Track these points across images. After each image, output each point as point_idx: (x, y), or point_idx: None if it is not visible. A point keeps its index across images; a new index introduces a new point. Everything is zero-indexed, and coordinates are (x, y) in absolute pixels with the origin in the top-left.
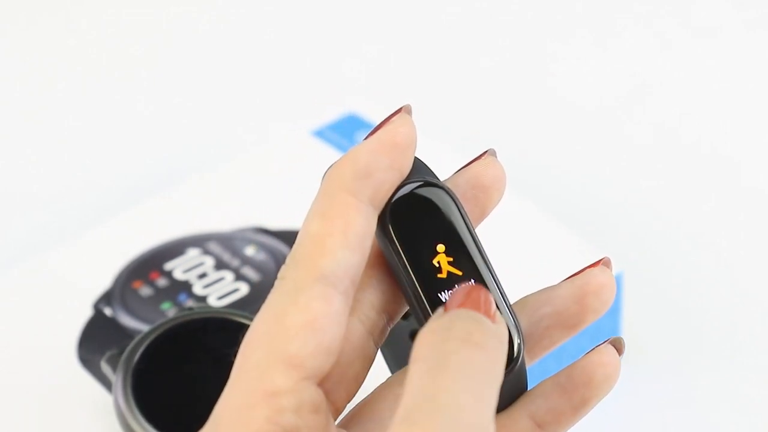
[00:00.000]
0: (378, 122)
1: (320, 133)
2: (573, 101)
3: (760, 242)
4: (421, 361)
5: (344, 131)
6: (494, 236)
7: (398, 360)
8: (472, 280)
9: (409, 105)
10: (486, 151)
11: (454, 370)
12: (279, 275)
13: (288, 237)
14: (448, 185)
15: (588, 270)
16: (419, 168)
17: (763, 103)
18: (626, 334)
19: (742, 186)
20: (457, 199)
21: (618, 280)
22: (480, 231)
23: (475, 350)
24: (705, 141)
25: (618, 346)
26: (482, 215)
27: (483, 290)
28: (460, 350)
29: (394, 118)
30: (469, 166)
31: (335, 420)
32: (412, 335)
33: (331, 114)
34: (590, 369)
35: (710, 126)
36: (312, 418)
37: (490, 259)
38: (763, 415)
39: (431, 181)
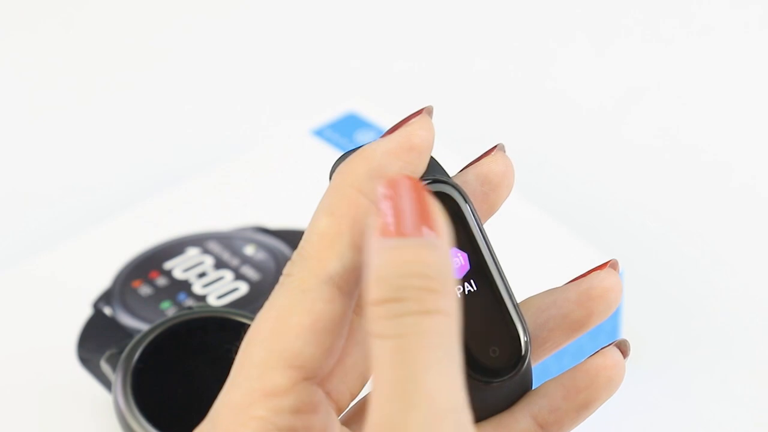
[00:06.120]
0: (379, 119)
1: (320, 132)
2: (573, 102)
3: (760, 242)
4: (382, 338)
5: (344, 130)
6: (498, 237)
7: None
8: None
9: (431, 106)
10: (495, 146)
11: (416, 352)
12: (285, 271)
13: (287, 236)
14: (458, 182)
15: (594, 273)
16: (432, 166)
17: (762, 103)
18: (626, 334)
19: (742, 186)
20: (467, 196)
21: None
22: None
23: (433, 320)
24: (705, 141)
25: (623, 348)
26: (491, 211)
27: (405, 186)
28: (419, 325)
29: (414, 119)
30: (478, 162)
31: (338, 416)
32: None
33: (331, 113)
34: (594, 371)
35: (710, 126)
36: (310, 419)
37: (498, 258)
38: (762, 414)
39: (442, 179)
